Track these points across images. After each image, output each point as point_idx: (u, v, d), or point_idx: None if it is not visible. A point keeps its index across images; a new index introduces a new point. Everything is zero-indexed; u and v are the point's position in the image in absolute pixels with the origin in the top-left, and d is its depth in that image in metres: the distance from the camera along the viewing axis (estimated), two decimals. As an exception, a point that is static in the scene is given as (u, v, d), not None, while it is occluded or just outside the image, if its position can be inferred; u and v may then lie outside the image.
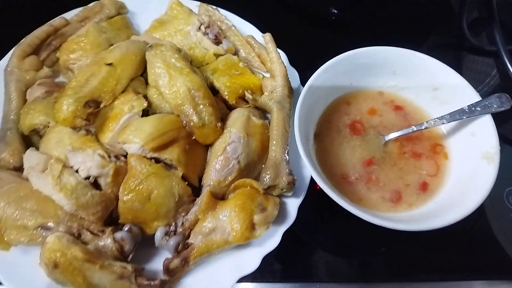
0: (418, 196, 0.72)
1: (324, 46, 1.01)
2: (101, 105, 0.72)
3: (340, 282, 0.74)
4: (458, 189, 0.69)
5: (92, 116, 0.71)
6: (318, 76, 0.72)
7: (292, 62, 0.87)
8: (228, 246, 0.68)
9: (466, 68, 1.03)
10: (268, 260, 0.70)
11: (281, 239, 0.71)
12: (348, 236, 0.78)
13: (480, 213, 0.67)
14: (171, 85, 0.73)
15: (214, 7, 0.90)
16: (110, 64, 0.72)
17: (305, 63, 0.91)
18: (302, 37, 1.03)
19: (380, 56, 0.75)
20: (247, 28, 0.90)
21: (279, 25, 1.00)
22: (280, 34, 0.89)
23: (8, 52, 0.85)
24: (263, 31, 0.89)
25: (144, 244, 0.72)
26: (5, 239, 0.66)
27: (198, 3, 0.91)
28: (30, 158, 0.68)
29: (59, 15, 0.90)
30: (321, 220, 0.79)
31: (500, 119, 0.71)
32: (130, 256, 0.68)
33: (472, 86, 0.96)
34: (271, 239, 0.70)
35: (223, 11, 0.91)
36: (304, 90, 0.71)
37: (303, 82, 0.85)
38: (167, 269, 0.66)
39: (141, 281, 0.65)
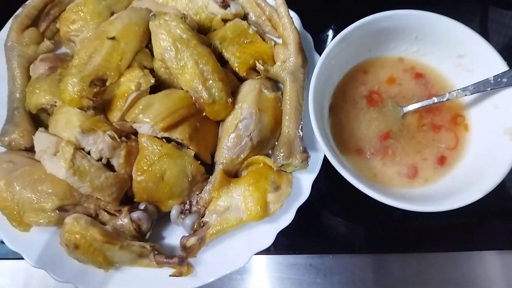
0: (435, 170, 0.70)
1: (339, 5, 0.95)
2: (107, 83, 0.69)
3: (353, 253, 0.76)
4: (477, 165, 0.67)
5: (99, 94, 0.69)
6: (334, 46, 0.68)
7: (305, 24, 0.81)
8: (242, 224, 0.69)
9: (491, 22, 0.95)
10: (281, 232, 0.71)
11: (295, 214, 0.72)
12: (362, 209, 0.78)
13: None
14: (178, 59, 0.69)
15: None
16: (112, 38, 0.68)
17: (319, 24, 0.86)
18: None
19: (402, 20, 0.69)
20: (257, -13, 0.83)
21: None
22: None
23: (5, 23, 0.81)
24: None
25: (159, 221, 0.73)
26: (25, 221, 0.68)
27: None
28: (41, 141, 0.68)
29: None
30: (335, 193, 0.79)
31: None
32: (148, 235, 0.70)
33: (497, 43, 0.91)
34: (285, 215, 0.71)
35: (229, -32, 0.83)
36: (319, 63, 0.67)
37: (318, 47, 0.81)
38: (184, 247, 0.68)
39: (159, 259, 0.67)
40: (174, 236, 0.72)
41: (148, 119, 0.68)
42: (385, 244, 0.79)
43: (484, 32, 0.95)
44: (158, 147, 0.69)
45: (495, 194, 0.78)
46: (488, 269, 0.80)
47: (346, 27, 0.69)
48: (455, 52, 0.71)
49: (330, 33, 0.88)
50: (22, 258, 0.69)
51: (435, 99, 0.70)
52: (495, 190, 0.80)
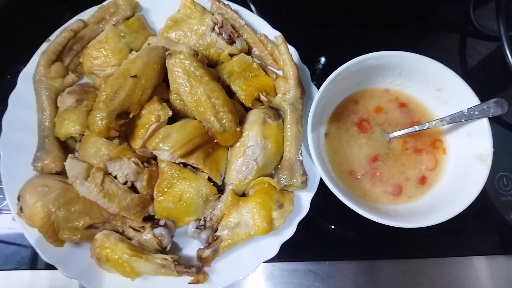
0: (417, 189, 0.81)
1: (330, 36, 1.05)
2: (130, 115, 0.78)
3: (347, 260, 0.87)
4: (453, 185, 0.78)
5: (123, 126, 0.78)
6: (329, 82, 0.77)
7: (303, 57, 0.91)
8: (250, 238, 0.79)
9: (469, 50, 1.06)
10: (284, 243, 0.81)
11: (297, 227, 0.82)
12: (355, 220, 0.88)
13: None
14: (192, 93, 0.79)
15: (226, 2, 0.92)
16: (134, 76, 0.77)
17: (316, 56, 0.96)
18: (310, 29, 1.05)
19: (387, 59, 0.80)
20: (259, 23, 0.92)
21: (288, 17, 1.04)
22: (290, 26, 0.93)
23: (24, 52, 0.89)
24: (274, 25, 0.92)
25: (177, 234, 0.83)
26: (59, 238, 0.77)
27: (210, -3, 0.93)
28: (73, 167, 0.77)
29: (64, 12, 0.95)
30: (331, 207, 0.89)
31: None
32: (168, 247, 0.80)
33: (472, 70, 1.02)
34: (288, 229, 0.81)
35: (234, 6, 0.92)
36: (316, 97, 0.77)
37: (314, 75, 0.91)
38: (200, 258, 0.78)
39: (179, 269, 0.77)
40: (190, 248, 0.82)
41: (167, 147, 0.77)
42: (375, 251, 0.89)
43: (463, 60, 1.06)
44: (176, 172, 0.79)
45: (482, 201, 0.90)
46: (476, 273, 0.89)
47: (337, 60, 0.80)
48: (433, 86, 0.82)
49: (325, 62, 0.98)
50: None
51: (417, 128, 0.81)
52: (482, 196, 0.92)
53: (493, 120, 0.96)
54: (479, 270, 0.89)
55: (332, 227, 0.91)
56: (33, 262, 0.87)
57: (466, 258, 0.90)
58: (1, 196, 0.90)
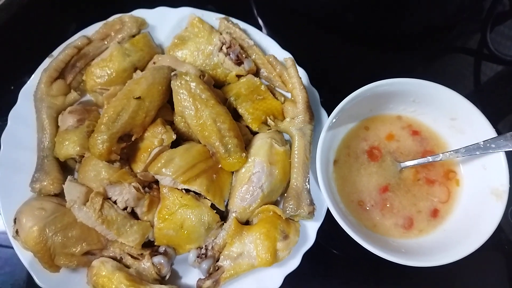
0: (429, 222, 0.78)
1: (341, 58, 1.02)
2: (133, 138, 0.76)
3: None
4: (467, 220, 0.75)
5: (125, 148, 0.76)
6: (340, 109, 0.75)
7: (312, 79, 0.88)
8: (253, 269, 0.76)
9: (483, 75, 1.03)
10: (288, 274, 0.78)
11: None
12: (361, 250, 0.85)
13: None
14: (197, 117, 0.76)
15: (235, 21, 0.89)
16: (138, 98, 0.75)
17: (325, 79, 0.93)
18: (321, 51, 1.02)
19: (401, 86, 0.76)
20: (268, 43, 0.90)
21: (298, 38, 1.01)
22: (300, 47, 0.90)
23: (29, 63, 0.87)
24: (283, 45, 0.89)
25: (177, 261, 0.80)
26: (55, 263, 0.74)
27: (219, 15, 0.90)
28: (71, 190, 0.74)
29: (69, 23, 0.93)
30: (338, 236, 0.85)
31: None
32: (167, 276, 0.77)
33: (487, 96, 0.99)
34: (293, 260, 0.78)
35: (243, 25, 0.90)
36: (326, 124, 0.74)
37: (322, 98, 0.88)
38: (200, 289, 0.75)
39: (178, 300, 0.74)
40: (190, 276, 0.79)
41: (169, 172, 0.74)
42: (382, 284, 0.86)
43: (477, 85, 1.02)
44: (178, 198, 0.76)
45: (494, 234, 0.87)
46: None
47: (348, 84, 0.77)
48: (448, 115, 0.79)
49: (336, 85, 0.95)
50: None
51: (430, 158, 0.78)
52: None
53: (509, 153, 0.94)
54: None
55: (339, 255, 0.87)
56: (28, 284, 0.84)
57: None
58: (-1, 215, 0.88)
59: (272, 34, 0.93)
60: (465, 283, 0.87)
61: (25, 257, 0.77)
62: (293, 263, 0.78)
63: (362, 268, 0.87)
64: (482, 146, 0.73)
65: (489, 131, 0.74)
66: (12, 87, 0.97)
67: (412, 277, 0.86)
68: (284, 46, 0.90)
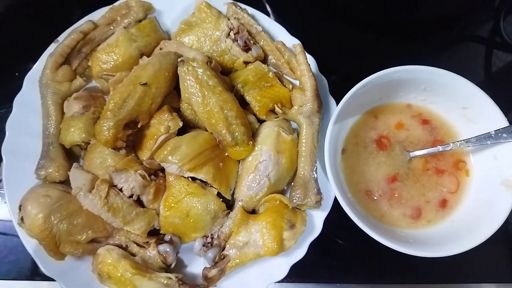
0: (437, 213, 0.77)
1: (350, 45, 1.00)
2: (139, 125, 0.75)
3: (357, 283, 0.83)
4: (476, 211, 0.74)
5: (131, 135, 0.75)
6: (350, 97, 0.73)
7: (321, 67, 0.87)
8: (259, 258, 0.75)
9: (495, 62, 1.01)
10: (294, 263, 0.78)
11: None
12: (368, 241, 0.84)
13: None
14: (204, 104, 0.75)
15: (243, 6, 0.87)
16: (145, 84, 0.74)
17: (334, 66, 0.91)
18: (331, 38, 1.01)
19: (413, 74, 0.75)
20: (276, 30, 0.88)
21: (307, 24, 0.99)
22: (309, 34, 0.89)
23: (34, 49, 0.86)
24: (292, 32, 0.88)
25: (182, 250, 0.80)
26: (60, 251, 0.74)
27: (227, 0, 0.88)
28: (77, 178, 0.73)
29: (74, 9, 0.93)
30: (344, 226, 0.84)
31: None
32: (173, 265, 0.77)
33: (498, 85, 0.97)
34: (299, 250, 0.77)
35: (251, 10, 0.88)
36: (335, 113, 0.73)
37: (332, 87, 0.86)
38: (206, 277, 0.75)
39: (184, 288, 0.74)
40: (195, 265, 0.79)
41: (176, 160, 0.73)
42: (387, 275, 0.85)
43: (488, 73, 1.00)
44: (184, 186, 0.75)
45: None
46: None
47: (359, 69, 0.75)
48: (460, 104, 0.77)
49: (345, 73, 0.93)
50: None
51: (440, 148, 0.76)
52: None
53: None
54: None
55: (345, 246, 0.86)
56: (33, 272, 0.85)
57: (476, 285, 0.86)
58: (4, 202, 0.88)
59: (281, 20, 0.91)
60: (472, 275, 0.87)
61: (30, 244, 0.76)
62: (299, 253, 0.77)
63: (368, 259, 0.87)
64: (493, 135, 0.72)
65: (501, 121, 0.72)
66: (17, 74, 0.96)
67: (418, 269, 0.86)
68: (293, 32, 0.88)
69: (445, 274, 0.86)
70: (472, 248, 0.85)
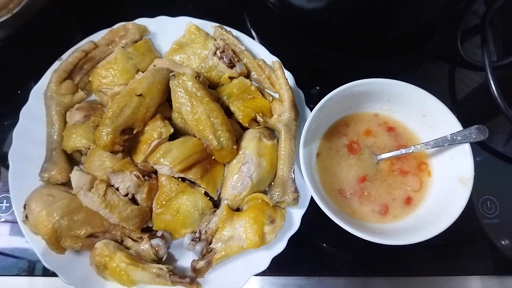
0: (403, 209, 0.85)
1: (325, 62, 1.12)
2: (134, 131, 0.84)
3: (335, 276, 0.90)
4: (437, 206, 0.82)
5: (127, 141, 0.84)
6: (322, 106, 0.82)
7: (298, 82, 0.97)
8: (243, 251, 0.83)
9: (457, 80, 1.12)
10: (275, 258, 0.85)
11: (287, 242, 0.86)
12: (344, 237, 0.91)
13: (458, 218, 0.79)
14: (193, 113, 0.84)
15: (228, 29, 0.98)
16: (140, 95, 0.83)
17: (310, 82, 1.02)
18: (307, 56, 1.12)
19: (375, 86, 0.85)
20: (258, 49, 0.99)
21: (286, 44, 1.10)
22: (287, 53, 0.99)
23: (35, 70, 0.96)
24: (272, 51, 0.98)
25: (173, 246, 0.87)
26: (61, 245, 0.81)
27: (214, 24, 0.99)
28: (78, 178, 0.81)
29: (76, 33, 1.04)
30: (321, 224, 0.92)
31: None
32: (164, 258, 0.84)
33: (461, 99, 1.08)
34: (279, 243, 0.85)
35: (236, 32, 0.99)
36: (308, 119, 0.82)
37: (308, 99, 0.96)
38: (194, 269, 0.82)
39: (174, 278, 0.80)
40: (185, 259, 0.86)
41: (167, 162, 0.82)
42: (365, 268, 0.92)
43: (451, 89, 1.12)
44: (175, 186, 0.83)
45: (472, 223, 0.93)
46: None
47: (331, 85, 0.85)
48: (419, 112, 0.87)
49: (320, 87, 1.04)
50: (57, 276, 0.82)
51: (403, 151, 0.86)
52: (471, 219, 0.95)
53: (479, 146, 1.03)
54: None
55: (322, 243, 0.94)
56: (31, 269, 0.91)
57: (460, 277, 0.92)
58: (8, 205, 0.95)
59: (262, 41, 1.02)
60: (457, 268, 0.93)
61: (33, 241, 0.83)
62: (280, 246, 0.85)
63: (343, 254, 0.95)
64: (449, 138, 0.81)
65: (456, 126, 0.82)
66: (19, 92, 1.06)
67: (394, 267, 0.93)
68: (273, 51, 0.99)
69: (426, 267, 0.93)
70: (458, 243, 0.94)
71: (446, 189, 0.83)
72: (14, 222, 0.92)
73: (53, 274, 0.82)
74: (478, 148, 1.02)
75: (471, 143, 0.81)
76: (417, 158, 0.89)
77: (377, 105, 0.90)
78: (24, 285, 0.90)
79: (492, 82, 0.98)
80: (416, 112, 0.88)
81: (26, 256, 0.91)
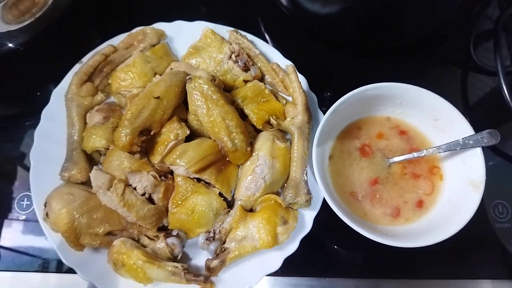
0: (414, 212, 0.86)
1: (338, 66, 1.13)
2: (152, 133, 0.86)
3: (346, 278, 0.92)
4: (448, 209, 0.83)
5: (145, 142, 0.86)
6: (335, 109, 0.84)
7: (312, 86, 0.99)
8: (256, 251, 0.84)
9: (469, 85, 1.13)
10: (287, 258, 0.86)
11: (299, 243, 0.87)
12: (355, 239, 0.92)
13: (469, 222, 0.79)
14: (209, 115, 0.86)
15: (243, 33, 1.01)
16: (157, 98, 0.85)
17: (323, 86, 1.03)
18: (320, 60, 1.14)
19: (388, 90, 0.86)
20: (272, 53, 1.01)
21: (299, 48, 1.12)
22: (301, 57, 1.01)
23: (55, 72, 0.99)
24: (286, 55, 1.00)
25: (188, 245, 0.89)
26: (80, 243, 0.83)
27: (229, 28, 1.02)
28: (97, 177, 0.84)
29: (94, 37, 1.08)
30: (333, 226, 0.93)
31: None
32: (179, 256, 0.86)
33: (473, 104, 1.08)
34: (291, 244, 0.86)
35: (250, 37, 1.01)
36: (321, 122, 0.84)
37: (321, 102, 0.98)
38: (208, 268, 0.84)
39: (188, 277, 0.82)
40: (199, 258, 0.88)
41: (183, 163, 0.84)
42: (376, 270, 0.93)
43: (464, 94, 1.12)
44: (190, 186, 0.85)
45: (484, 227, 0.94)
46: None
47: (343, 89, 0.86)
48: (431, 116, 0.88)
49: (333, 91, 1.05)
50: (75, 273, 0.85)
51: (415, 154, 0.87)
52: (483, 223, 0.95)
53: (491, 151, 1.03)
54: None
55: (334, 245, 0.96)
56: (46, 266, 0.94)
57: (471, 281, 0.92)
58: (28, 203, 0.98)
59: (276, 45, 1.04)
60: (469, 271, 0.93)
61: (53, 238, 0.86)
62: (292, 247, 0.86)
63: (355, 256, 0.96)
64: (461, 142, 0.82)
65: (467, 130, 0.83)
66: (38, 93, 1.10)
67: (407, 264, 0.93)
68: (287, 55, 1.00)
69: (437, 270, 0.93)
70: (469, 247, 0.94)
71: (458, 192, 0.84)
72: (33, 220, 0.96)
73: (66, 271, 0.85)
74: (490, 152, 1.03)
75: (483, 147, 0.82)
76: (429, 162, 0.90)
77: (390, 108, 0.92)
78: (38, 281, 0.93)
79: (504, 87, 0.99)
80: (428, 116, 0.89)
81: (43, 255, 0.94)
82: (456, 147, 0.83)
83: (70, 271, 0.85)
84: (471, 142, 0.82)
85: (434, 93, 0.85)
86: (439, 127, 0.89)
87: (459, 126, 0.84)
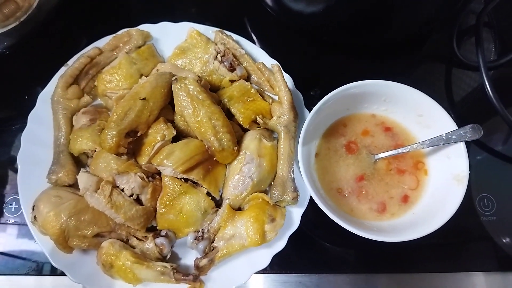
0: (400, 207, 0.87)
1: (324, 65, 1.15)
2: (138, 134, 0.86)
3: (335, 273, 0.93)
4: (433, 204, 0.85)
5: (131, 143, 0.86)
6: (319, 107, 0.85)
7: (297, 85, 0.99)
8: (244, 249, 0.85)
9: (454, 80, 1.14)
10: (275, 255, 0.87)
11: (288, 240, 0.88)
12: (343, 235, 0.93)
13: (456, 216, 0.80)
14: (195, 115, 0.87)
15: (229, 33, 1.01)
16: (143, 99, 0.86)
17: (309, 84, 1.04)
18: (307, 59, 1.15)
19: (371, 88, 0.87)
20: (258, 53, 1.01)
21: (286, 48, 1.13)
22: (286, 56, 1.02)
23: (42, 75, 0.99)
24: (273, 54, 1.01)
25: (177, 244, 0.90)
26: (69, 245, 0.83)
27: (214, 29, 1.02)
28: (84, 179, 0.84)
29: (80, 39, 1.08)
30: (320, 222, 0.94)
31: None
32: (168, 256, 0.86)
33: (457, 99, 1.10)
34: (279, 241, 0.87)
35: (236, 37, 1.02)
36: (307, 120, 0.85)
37: (307, 101, 0.99)
38: (197, 267, 0.84)
39: (178, 276, 0.83)
40: (188, 257, 0.88)
41: (170, 163, 0.85)
42: (365, 265, 0.94)
43: (448, 90, 1.13)
44: (178, 186, 0.86)
45: (472, 221, 0.95)
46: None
47: (329, 87, 0.87)
48: (415, 112, 0.89)
49: (319, 89, 1.06)
50: (64, 275, 0.85)
51: (400, 150, 0.88)
52: (470, 216, 0.96)
53: (476, 146, 1.04)
54: (478, 286, 0.93)
55: (322, 241, 0.96)
56: (39, 269, 0.94)
57: (461, 274, 0.94)
58: (16, 206, 0.98)
59: (263, 45, 1.05)
60: (460, 264, 0.95)
61: (42, 241, 0.86)
62: (280, 244, 0.87)
63: (343, 252, 0.97)
64: (444, 138, 0.84)
65: (451, 125, 0.84)
66: (27, 97, 1.09)
67: (395, 264, 0.94)
68: (272, 55, 1.01)
69: (429, 263, 0.95)
70: (458, 240, 0.95)
71: (442, 187, 0.85)
72: (22, 224, 0.96)
73: (60, 274, 0.85)
74: (475, 147, 1.04)
75: (467, 142, 0.83)
76: (413, 157, 0.91)
77: (374, 106, 0.93)
78: (32, 285, 0.93)
79: (487, 82, 1.00)
80: (412, 112, 0.90)
81: (34, 257, 0.94)
82: (440, 142, 0.84)
83: (64, 273, 0.85)
84: (454, 137, 0.83)
85: (417, 89, 0.86)
86: (423, 122, 0.90)
87: (442, 121, 0.86)
